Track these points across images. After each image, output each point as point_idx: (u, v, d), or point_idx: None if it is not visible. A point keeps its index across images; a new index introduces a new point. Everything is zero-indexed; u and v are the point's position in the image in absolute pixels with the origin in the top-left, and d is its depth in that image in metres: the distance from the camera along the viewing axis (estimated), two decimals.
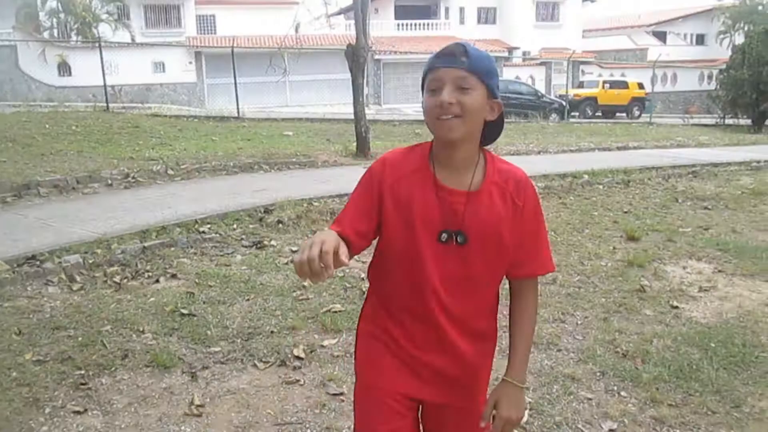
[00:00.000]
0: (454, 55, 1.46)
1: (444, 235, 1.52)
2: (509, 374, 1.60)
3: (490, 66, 1.50)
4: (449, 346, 1.59)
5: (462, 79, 1.45)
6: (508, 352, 1.65)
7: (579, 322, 4.20)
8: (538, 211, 1.60)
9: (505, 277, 1.65)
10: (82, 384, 3.31)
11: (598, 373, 3.48)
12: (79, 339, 3.83)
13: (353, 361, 1.78)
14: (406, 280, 1.57)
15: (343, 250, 1.32)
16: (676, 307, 4.46)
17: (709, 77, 32.58)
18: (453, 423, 1.67)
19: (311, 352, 3.72)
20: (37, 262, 5.01)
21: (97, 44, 17.96)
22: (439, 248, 1.53)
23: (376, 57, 28.87)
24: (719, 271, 5.29)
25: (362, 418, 1.66)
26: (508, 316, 1.67)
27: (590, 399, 3.21)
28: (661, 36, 39.17)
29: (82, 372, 3.44)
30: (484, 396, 1.68)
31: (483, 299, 1.62)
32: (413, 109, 25.23)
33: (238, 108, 17.84)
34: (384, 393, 1.61)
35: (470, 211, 1.52)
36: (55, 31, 27.92)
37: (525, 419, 3.00)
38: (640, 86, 27.09)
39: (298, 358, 3.64)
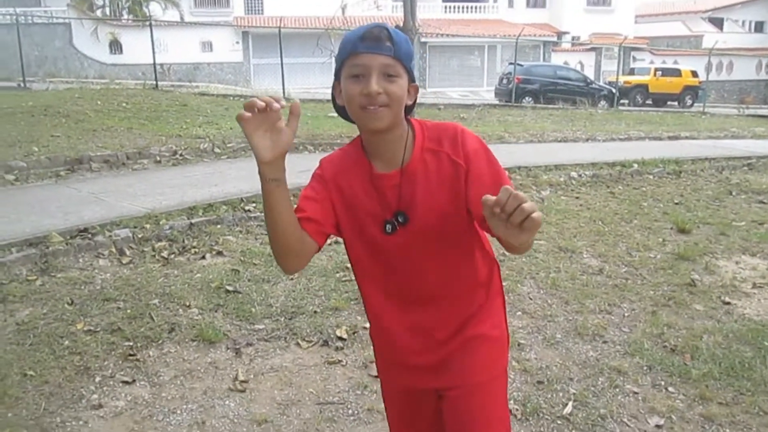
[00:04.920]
0: (379, 40, 1.36)
1: (388, 227, 1.46)
2: None
3: (410, 50, 1.43)
4: (447, 325, 1.56)
5: (388, 66, 1.37)
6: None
7: (626, 315, 4.11)
8: (485, 156, 1.45)
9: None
10: (131, 355, 3.40)
11: (645, 368, 3.40)
12: (128, 311, 3.93)
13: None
14: (376, 276, 1.53)
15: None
16: (728, 303, 4.32)
17: None
18: (467, 403, 1.57)
19: (354, 333, 3.73)
20: (89, 235, 5.15)
21: (147, 23, 18.26)
22: (388, 240, 1.47)
23: (422, 40, 28.61)
24: None
25: (389, 418, 1.76)
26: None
27: (636, 393, 3.14)
28: (718, 23, 37.78)
29: (131, 343, 3.52)
30: (500, 369, 1.61)
31: (461, 272, 1.53)
32: (458, 92, 25.02)
33: (283, 88, 17.97)
34: (398, 390, 1.68)
35: (405, 190, 1.45)
36: (108, 10, 28.45)
37: (569, 410, 2.95)
38: (694, 74, 26.19)
39: (340, 338, 3.66)
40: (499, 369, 1.61)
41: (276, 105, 1.27)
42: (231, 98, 16.35)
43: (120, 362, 3.34)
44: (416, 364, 1.59)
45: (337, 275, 4.61)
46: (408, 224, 1.46)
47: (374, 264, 1.53)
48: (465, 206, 1.45)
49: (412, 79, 1.44)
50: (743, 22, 38.77)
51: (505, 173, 1.47)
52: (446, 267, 1.52)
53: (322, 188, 1.50)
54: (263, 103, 1.25)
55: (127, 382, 3.15)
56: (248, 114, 1.26)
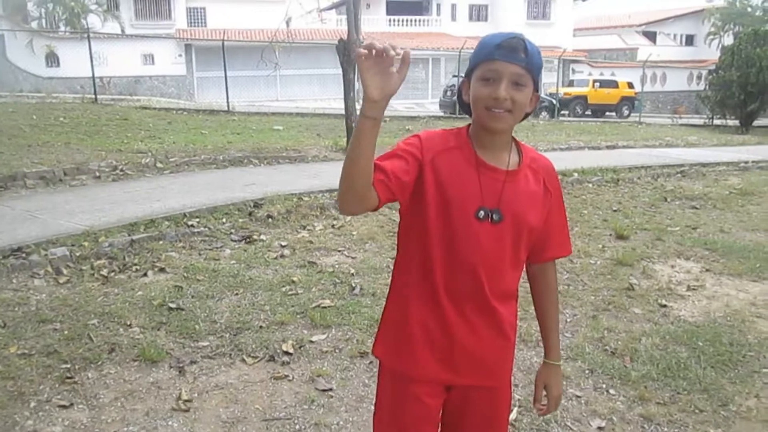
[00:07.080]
0: (515, 51, 1.46)
1: (481, 213, 1.52)
2: (550, 357, 1.73)
3: (541, 62, 1.52)
4: (486, 322, 1.60)
5: (519, 76, 1.47)
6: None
7: (568, 320, 4.20)
8: (561, 199, 1.67)
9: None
10: (68, 378, 3.28)
11: (587, 371, 3.48)
12: (66, 332, 3.79)
13: (374, 350, 1.71)
14: (443, 260, 1.55)
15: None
16: (665, 306, 4.48)
17: (698, 78, 32.83)
18: (479, 406, 1.66)
19: (300, 347, 3.70)
20: (23, 255, 4.95)
21: (85, 35, 17.75)
22: (475, 225, 1.52)
23: None
24: (707, 270, 5.32)
25: (390, 412, 1.66)
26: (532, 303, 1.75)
27: (579, 397, 3.22)
28: (651, 36, 39.34)
29: (68, 366, 3.40)
30: (510, 375, 1.71)
31: (511, 278, 1.62)
32: (404, 105, 25.21)
33: (228, 101, 17.77)
34: (412, 383, 1.61)
35: (508, 189, 1.54)
36: (44, 22, 27.63)
37: (514, 416, 3.00)
38: (630, 86, 27.20)
39: (286, 353, 3.62)
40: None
41: (392, 52, 1.32)
42: (174, 112, 16.06)
43: (57, 386, 3.22)
44: (458, 355, 1.59)
45: (283, 289, 4.57)
46: (498, 224, 1.54)
47: (444, 248, 1.54)
48: (540, 228, 1.61)
49: (536, 89, 1.53)
50: (675, 36, 40.49)
51: (566, 219, 1.71)
52: (509, 271, 1.60)
53: (411, 156, 1.50)
54: (381, 47, 1.31)
55: (64, 406, 3.03)
56: (365, 52, 1.31)
